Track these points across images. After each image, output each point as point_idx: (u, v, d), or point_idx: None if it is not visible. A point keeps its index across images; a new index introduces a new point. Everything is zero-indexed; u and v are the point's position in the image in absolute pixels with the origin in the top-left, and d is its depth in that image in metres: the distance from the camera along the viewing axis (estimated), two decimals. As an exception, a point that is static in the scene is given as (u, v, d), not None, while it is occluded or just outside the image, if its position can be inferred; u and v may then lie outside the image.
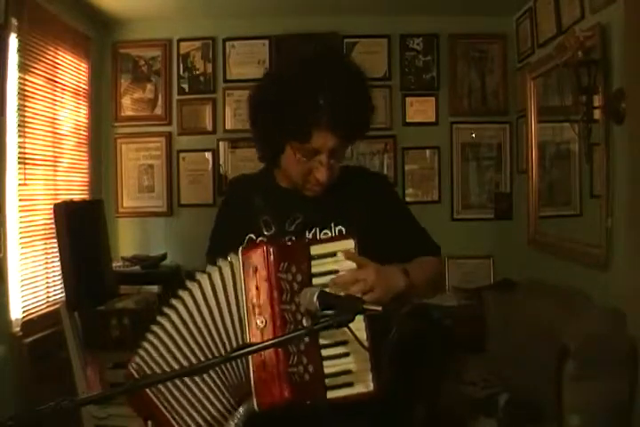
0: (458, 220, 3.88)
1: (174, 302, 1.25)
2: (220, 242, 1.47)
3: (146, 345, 1.26)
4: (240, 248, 1.21)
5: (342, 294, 1.16)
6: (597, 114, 2.51)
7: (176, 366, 1.22)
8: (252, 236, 1.38)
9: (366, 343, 1.15)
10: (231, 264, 1.21)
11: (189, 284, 1.24)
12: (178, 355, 1.22)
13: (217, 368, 1.18)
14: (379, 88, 3.68)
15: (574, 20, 2.77)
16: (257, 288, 1.17)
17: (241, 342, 1.18)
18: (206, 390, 1.21)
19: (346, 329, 1.03)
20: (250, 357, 1.13)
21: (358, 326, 1.13)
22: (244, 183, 1.57)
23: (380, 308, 1.06)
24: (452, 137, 3.88)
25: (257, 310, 1.16)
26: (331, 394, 1.17)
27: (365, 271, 1.20)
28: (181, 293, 1.25)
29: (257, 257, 1.18)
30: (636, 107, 2.24)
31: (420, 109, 3.88)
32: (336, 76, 1.29)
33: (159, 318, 1.25)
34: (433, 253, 1.49)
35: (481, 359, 3.04)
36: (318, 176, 1.33)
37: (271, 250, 1.18)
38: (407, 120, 3.87)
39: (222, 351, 1.20)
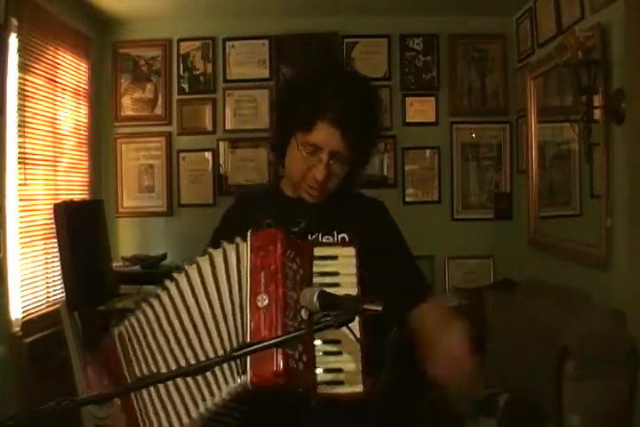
0: (458, 220, 3.88)
1: (167, 283, 1.26)
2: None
3: (137, 313, 1.28)
4: (249, 231, 1.22)
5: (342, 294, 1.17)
6: (597, 114, 2.51)
7: (163, 341, 1.22)
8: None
9: (360, 342, 1.15)
10: (237, 246, 1.22)
11: (187, 267, 1.25)
12: (168, 331, 1.22)
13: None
14: (379, 88, 3.67)
15: (574, 20, 2.76)
16: (262, 268, 1.17)
17: (239, 319, 1.18)
18: (187, 392, 1.20)
19: (342, 328, 1.04)
20: (248, 333, 1.13)
21: (353, 325, 1.14)
22: (249, 194, 1.60)
23: (379, 308, 1.07)
24: (452, 137, 3.88)
25: (260, 289, 1.16)
26: (321, 390, 1.18)
27: None
28: (176, 275, 1.26)
29: (265, 239, 1.19)
30: (636, 107, 2.24)
31: (420, 109, 3.88)
32: (348, 81, 1.33)
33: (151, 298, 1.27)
34: (421, 293, 1.45)
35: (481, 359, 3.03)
36: (316, 174, 1.33)
37: (280, 236, 1.19)
38: (407, 120, 3.87)
39: (217, 330, 1.19)
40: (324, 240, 1.40)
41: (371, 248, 1.35)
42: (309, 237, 1.39)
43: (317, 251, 1.25)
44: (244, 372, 1.12)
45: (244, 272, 1.19)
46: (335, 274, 1.24)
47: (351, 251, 1.26)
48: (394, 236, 1.52)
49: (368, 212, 1.49)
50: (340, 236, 1.40)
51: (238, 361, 1.14)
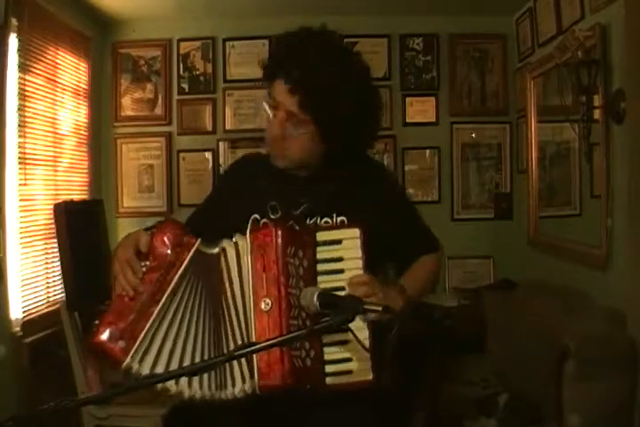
0: (458, 220, 3.88)
1: None
2: (216, 210, 1.47)
3: None
4: (248, 230, 1.22)
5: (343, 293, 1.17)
6: (597, 114, 2.51)
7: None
8: (257, 216, 1.37)
9: (367, 343, 1.15)
10: (236, 245, 1.22)
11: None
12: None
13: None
14: (379, 88, 3.67)
15: (574, 20, 2.76)
16: (264, 270, 1.17)
17: (242, 319, 1.19)
18: None
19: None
20: (254, 337, 1.15)
21: (359, 325, 1.14)
22: (254, 161, 1.54)
23: (380, 308, 1.07)
24: (452, 137, 3.88)
25: (262, 293, 1.16)
26: (330, 380, 1.18)
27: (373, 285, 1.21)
28: None
29: (266, 239, 1.19)
30: (636, 107, 2.24)
31: (420, 109, 3.88)
32: (315, 46, 1.34)
33: None
34: (432, 249, 1.51)
35: (481, 359, 3.03)
36: (270, 129, 1.34)
37: (280, 233, 1.19)
38: (407, 120, 3.87)
39: (223, 331, 1.20)
40: (322, 224, 1.36)
41: (374, 222, 1.32)
42: (308, 220, 1.36)
43: (320, 235, 1.24)
44: (252, 377, 1.13)
45: (245, 276, 1.19)
46: (339, 260, 1.23)
47: (355, 232, 1.25)
48: (398, 204, 1.50)
49: (368, 185, 1.43)
50: (338, 219, 1.36)
51: (245, 366, 1.15)
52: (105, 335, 1.15)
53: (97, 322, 1.17)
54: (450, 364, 2.98)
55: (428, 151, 3.90)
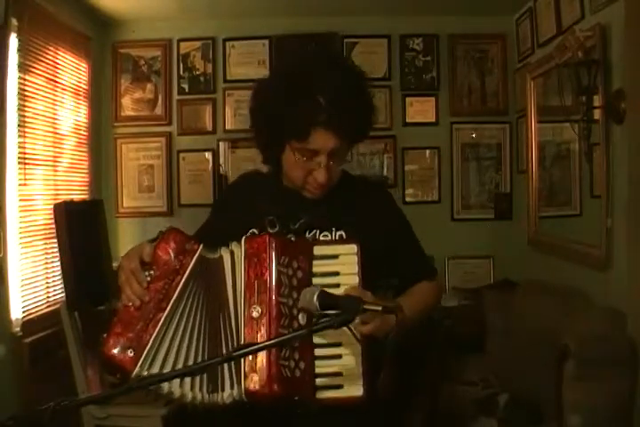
0: (458, 220, 3.88)
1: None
2: (216, 230, 1.48)
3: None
4: (244, 237, 1.23)
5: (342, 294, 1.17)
6: (597, 114, 2.51)
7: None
8: (255, 231, 1.38)
9: (362, 343, 1.15)
10: (232, 253, 1.23)
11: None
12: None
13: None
14: (379, 88, 3.68)
15: (574, 20, 2.76)
16: (256, 277, 1.17)
17: (234, 326, 1.19)
18: None
19: (343, 330, 1.03)
20: (243, 342, 1.14)
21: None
22: (254, 180, 1.55)
23: (379, 308, 1.06)
24: (452, 137, 3.88)
25: (253, 300, 1.17)
26: (319, 394, 1.18)
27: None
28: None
29: (259, 247, 1.19)
30: (636, 107, 2.24)
31: (420, 109, 3.88)
32: (337, 75, 1.28)
33: None
34: (429, 276, 1.50)
35: (481, 359, 3.03)
36: (317, 177, 1.31)
37: (274, 242, 1.19)
38: (407, 120, 3.87)
39: (213, 336, 1.20)
40: (321, 237, 1.36)
41: (373, 242, 1.32)
42: (307, 233, 1.36)
43: (317, 250, 1.25)
44: (239, 383, 1.13)
45: (238, 282, 1.19)
46: (336, 274, 1.24)
47: (353, 248, 1.25)
48: (398, 225, 1.49)
49: (371, 202, 1.44)
50: (337, 233, 1.36)
51: (234, 371, 1.15)
52: (115, 348, 1.16)
53: (105, 335, 1.18)
54: (450, 364, 2.98)
55: (427, 151, 3.90)
